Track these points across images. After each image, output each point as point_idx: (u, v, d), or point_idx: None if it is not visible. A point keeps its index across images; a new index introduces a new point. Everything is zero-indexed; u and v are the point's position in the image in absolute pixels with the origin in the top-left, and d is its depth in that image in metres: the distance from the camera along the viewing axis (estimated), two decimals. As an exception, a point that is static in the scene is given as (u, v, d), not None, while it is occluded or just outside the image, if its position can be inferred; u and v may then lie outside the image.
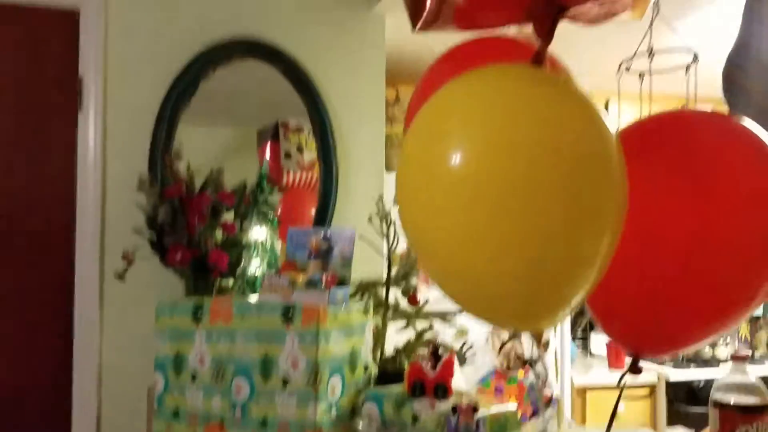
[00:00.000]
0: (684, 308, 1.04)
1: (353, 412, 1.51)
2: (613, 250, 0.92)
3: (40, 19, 2.08)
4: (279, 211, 2.52)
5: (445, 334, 2.08)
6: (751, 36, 1.53)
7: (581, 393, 3.16)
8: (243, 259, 2.04)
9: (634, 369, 1.10)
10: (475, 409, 1.36)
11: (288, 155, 2.56)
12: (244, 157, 2.50)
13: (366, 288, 1.80)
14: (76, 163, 2.10)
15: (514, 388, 1.57)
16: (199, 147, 2.26)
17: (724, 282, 1.02)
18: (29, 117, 2.09)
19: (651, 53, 1.46)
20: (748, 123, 1.04)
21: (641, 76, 1.59)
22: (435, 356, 1.48)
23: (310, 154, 2.50)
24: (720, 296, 1.04)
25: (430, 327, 1.83)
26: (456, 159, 0.81)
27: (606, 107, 2.16)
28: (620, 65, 1.57)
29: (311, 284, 1.51)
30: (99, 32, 2.10)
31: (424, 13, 1.15)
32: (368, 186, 2.44)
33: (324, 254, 1.57)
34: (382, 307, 1.77)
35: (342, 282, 1.56)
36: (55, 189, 2.10)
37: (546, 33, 1.03)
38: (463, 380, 1.65)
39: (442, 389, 1.46)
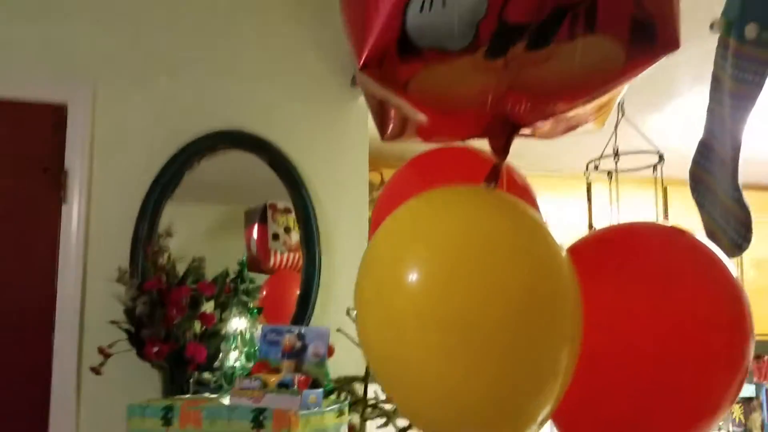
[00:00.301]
0: (647, 422, 1.03)
1: None
2: (573, 364, 0.92)
3: (29, 113, 2.14)
4: (264, 293, 2.52)
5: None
6: (714, 137, 1.56)
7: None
8: (221, 352, 2.02)
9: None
10: None
11: (276, 236, 2.58)
12: (231, 236, 2.52)
13: (343, 384, 1.78)
14: (57, 254, 2.11)
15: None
16: (187, 224, 2.28)
17: (686, 395, 1.01)
18: (13, 207, 2.11)
19: (617, 155, 1.50)
20: (700, 238, 1.06)
21: (609, 174, 1.63)
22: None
23: (298, 235, 2.52)
24: (683, 408, 1.03)
25: (410, 425, 1.80)
26: (408, 286, 0.82)
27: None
28: (587, 165, 1.61)
29: (283, 386, 1.49)
30: (86, 126, 2.15)
31: (389, 129, 1.19)
32: (352, 272, 2.43)
33: (298, 353, 1.57)
34: (360, 404, 1.76)
35: (316, 382, 1.55)
36: (36, 280, 2.10)
37: (501, 150, 1.06)
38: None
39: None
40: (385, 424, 1.80)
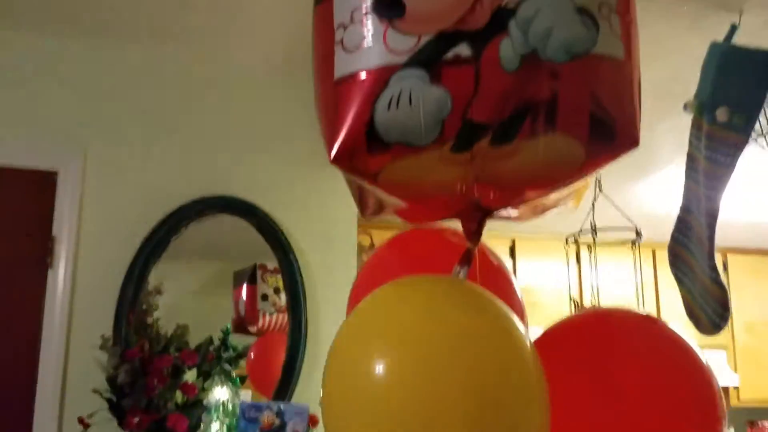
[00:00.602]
0: None
1: None
2: None
3: (19, 179, 2.16)
4: (252, 356, 2.50)
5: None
6: (690, 214, 1.59)
7: None
8: (202, 423, 2.00)
9: None
10: None
11: (265, 297, 2.57)
12: (220, 294, 2.52)
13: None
14: (42, 320, 2.10)
15: None
16: (175, 282, 2.28)
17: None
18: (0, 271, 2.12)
19: (594, 231, 1.51)
20: (671, 325, 1.06)
21: (589, 248, 1.64)
22: None
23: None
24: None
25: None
26: (371, 382, 0.82)
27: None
28: (567, 239, 1.62)
29: (261, 463, 1.47)
30: (75, 193, 2.17)
31: (368, 208, 1.21)
32: (338, 338, 2.43)
33: (276, 431, 1.55)
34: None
35: (294, 459, 1.53)
36: (19, 345, 2.09)
37: (473, 234, 1.08)
38: None
39: None
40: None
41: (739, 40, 1.49)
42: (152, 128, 2.33)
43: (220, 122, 2.41)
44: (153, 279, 2.24)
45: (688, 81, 1.58)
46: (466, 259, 1.06)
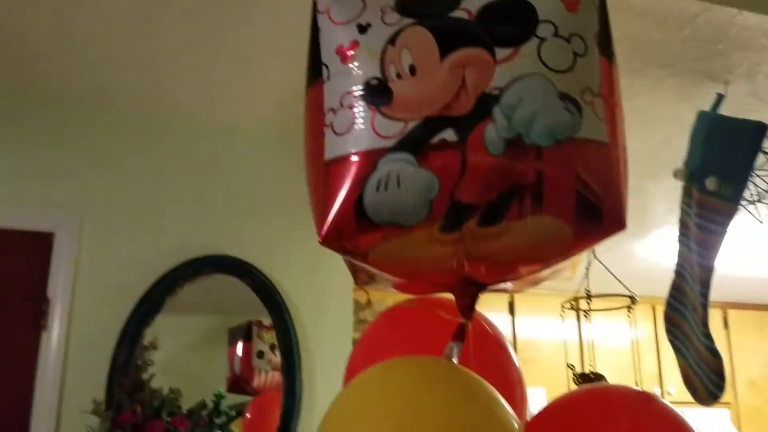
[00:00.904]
0: None
1: None
2: None
3: (15, 240, 2.17)
4: (248, 416, 2.46)
5: None
6: (684, 281, 1.59)
7: None
8: (195, 489, 1.96)
9: None
10: None
11: (261, 354, 2.55)
12: (215, 349, 2.49)
13: None
14: (34, 383, 2.08)
15: None
16: (170, 337, 2.27)
17: None
18: (-7, 335, 2.11)
19: (589, 297, 1.51)
20: (669, 405, 1.05)
21: (586, 314, 1.64)
22: None
23: (284, 354, 2.47)
24: None
25: None
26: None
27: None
28: (563, 306, 1.62)
29: None
30: (71, 255, 2.18)
31: (361, 279, 1.21)
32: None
33: (268, 501, 1.51)
34: None
35: None
36: (11, 409, 2.06)
37: (466, 309, 1.08)
38: None
39: None
40: None
41: (725, 109, 1.52)
42: (149, 190, 2.35)
43: (216, 184, 2.44)
44: (148, 334, 2.23)
45: (678, 148, 1.61)
46: (460, 334, 1.05)
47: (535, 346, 3.38)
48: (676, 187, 1.69)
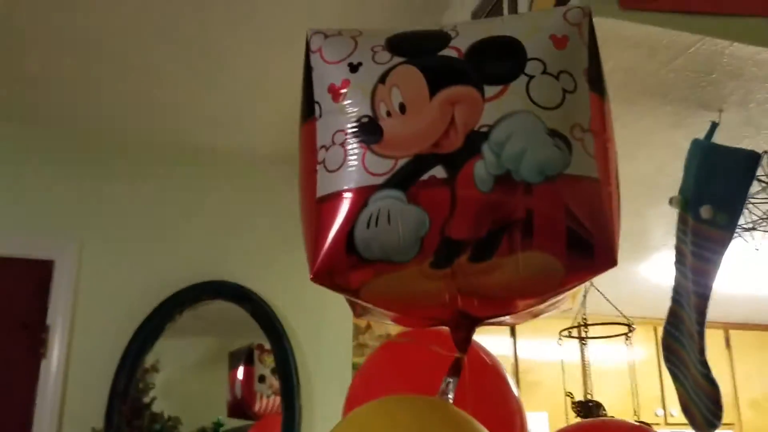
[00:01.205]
0: None
1: None
2: None
3: (15, 268, 2.18)
4: (250, 439, 2.45)
5: None
6: (681, 308, 1.59)
7: None
8: None
9: None
10: None
11: (262, 379, 2.54)
12: (215, 372, 2.49)
13: None
14: (33, 410, 2.08)
15: None
16: (171, 358, 2.26)
17: None
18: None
19: (586, 325, 1.51)
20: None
21: (582, 341, 1.63)
22: None
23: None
24: None
25: None
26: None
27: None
28: (560, 333, 1.62)
29: None
30: (71, 282, 2.19)
31: (358, 311, 1.21)
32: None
33: None
34: None
35: None
36: (9, 437, 2.06)
37: (462, 343, 1.08)
38: None
39: None
40: None
41: (720, 137, 1.53)
42: (149, 216, 2.36)
43: (215, 209, 2.45)
44: (150, 357, 2.23)
45: (674, 174, 1.61)
46: (455, 369, 1.05)
47: (537, 369, 3.36)
48: (674, 211, 1.70)
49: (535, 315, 1.17)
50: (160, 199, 2.40)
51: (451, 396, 0.98)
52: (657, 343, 3.66)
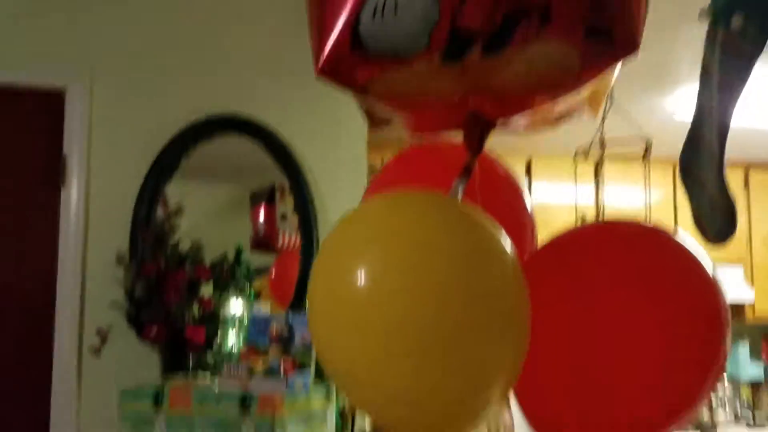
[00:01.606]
0: (622, 418, 1.04)
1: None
2: (519, 361, 0.91)
3: (27, 98, 2.17)
4: (273, 273, 2.54)
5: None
6: (702, 128, 1.55)
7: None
8: (219, 334, 2.06)
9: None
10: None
11: (284, 217, 2.58)
12: (238, 215, 2.55)
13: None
14: (58, 237, 2.15)
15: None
16: (192, 202, 2.31)
17: (661, 391, 1.01)
18: (13, 192, 2.15)
19: (603, 144, 1.49)
20: (681, 241, 1.05)
21: (597, 165, 1.62)
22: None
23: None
24: (657, 402, 1.03)
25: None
26: (354, 290, 0.83)
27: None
28: (576, 153, 1.60)
29: (270, 371, 1.53)
30: (84, 111, 2.17)
31: (375, 119, 1.19)
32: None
33: (285, 340, 1.60)
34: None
35: (303, 367, 1.58)
36: (36, 264, 2.14)
37: (474, 146, 1.06)
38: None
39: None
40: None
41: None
42: (160, 47, 2.30)
43: (229, 42, 2.37)
44: (172, 199, 2.27)
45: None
46: (465, 172, 1.04)
47: (550, 210, 3.37)
48: (701, 41, 1.60)
49: (551, 121, 1.14)
50: (174, 32, 2.32)
51: (459, 197, 0.98)
52: (675, 183, 3.65)
